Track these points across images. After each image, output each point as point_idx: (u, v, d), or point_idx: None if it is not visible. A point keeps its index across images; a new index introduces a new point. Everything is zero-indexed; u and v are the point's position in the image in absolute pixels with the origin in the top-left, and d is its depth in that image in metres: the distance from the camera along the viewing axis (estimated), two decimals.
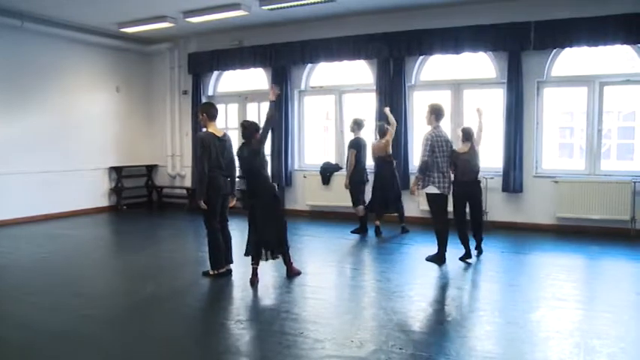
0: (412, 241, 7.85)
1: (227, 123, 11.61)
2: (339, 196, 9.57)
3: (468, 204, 6.72)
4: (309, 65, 10.41)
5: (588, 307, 5.03)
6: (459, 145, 6.78)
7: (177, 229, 9.51)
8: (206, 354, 3.98)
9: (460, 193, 6.58)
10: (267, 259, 5.75)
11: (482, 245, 6.87)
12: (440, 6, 8.86)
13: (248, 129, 5.68)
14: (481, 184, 6.98)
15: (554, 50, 8.45)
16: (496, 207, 8.79)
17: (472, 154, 6.65)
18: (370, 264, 7.11)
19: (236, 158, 5.85)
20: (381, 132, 8.22)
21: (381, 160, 8.17)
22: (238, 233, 6.91)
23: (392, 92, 9.41)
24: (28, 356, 3.96)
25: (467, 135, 6.72)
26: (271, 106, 5.76)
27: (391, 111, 8.39)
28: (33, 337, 4.30)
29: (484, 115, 6.99)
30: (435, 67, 9.51)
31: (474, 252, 6.70)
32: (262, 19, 9.73)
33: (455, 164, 6.54)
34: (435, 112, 6.44)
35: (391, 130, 8.13)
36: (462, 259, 6.52)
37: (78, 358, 3.94)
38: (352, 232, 8.42)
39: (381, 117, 8.66)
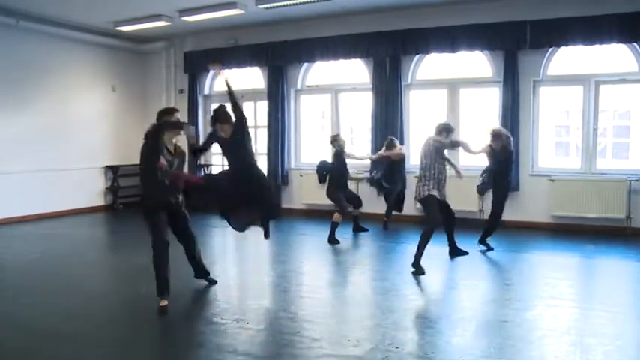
0: (408, 240, 7.85)
1: None
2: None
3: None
4: (306, 64, 10.41)
5: (584, 306, 5.04)
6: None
7: None
8: (203, 353, 3.97)
9: None
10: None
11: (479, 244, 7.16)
12: (436, 5, 8.87)
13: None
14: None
15: (550, 49, 8.47)
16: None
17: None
18: (366, 263, 7.11)
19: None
20: (391, 146, 8.42)
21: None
22: None
23: (388, 91, 9.41)
24: (23, 357, 3.93)
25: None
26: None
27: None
28: (27, 337, 4.27)
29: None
30: (431, 66, 9.52)
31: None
32: (258, 17, 9.72)
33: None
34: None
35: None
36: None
37: (73, 358, 3.92)
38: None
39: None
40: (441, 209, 6.27)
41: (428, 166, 6.13)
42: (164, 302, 4.88)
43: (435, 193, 6.09)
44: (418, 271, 5.95)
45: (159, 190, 5.08)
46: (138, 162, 5.28)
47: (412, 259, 6.02)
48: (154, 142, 5.05)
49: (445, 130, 6.28)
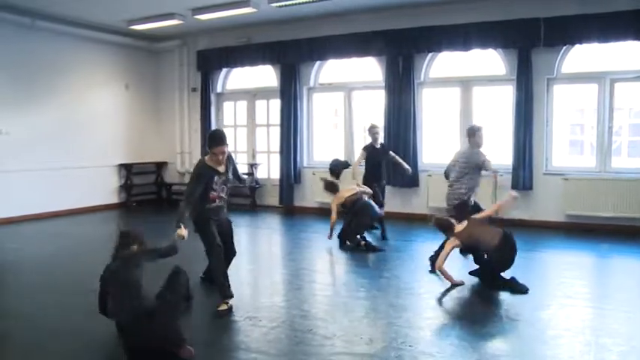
0: (421, 239, 7.84)
1: (236, 120, 11.66)
2: None
3: None
4: (318, 62, 10.41)
5: (598, 305, 5.00)
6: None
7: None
8: (216, 351, 4.00)
9: None
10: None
11: None
12: (448, 2, 8.82)
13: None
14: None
15: (565, 47, 8.39)
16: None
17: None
18: (379, 261, 7.10)
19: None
20: (333, 189, 7.82)
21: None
22: None
23: (401, 89, 9.39)
24: (34, 354, 3.97)
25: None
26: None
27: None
28: (38, 334, 4.32)
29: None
30: (444, 64, 9.48)
31: None
32: (271, 16, 9.73)
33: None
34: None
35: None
36: None
37: (84, 356, 3.96)
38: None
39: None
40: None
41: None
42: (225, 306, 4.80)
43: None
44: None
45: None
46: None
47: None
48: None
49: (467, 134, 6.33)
